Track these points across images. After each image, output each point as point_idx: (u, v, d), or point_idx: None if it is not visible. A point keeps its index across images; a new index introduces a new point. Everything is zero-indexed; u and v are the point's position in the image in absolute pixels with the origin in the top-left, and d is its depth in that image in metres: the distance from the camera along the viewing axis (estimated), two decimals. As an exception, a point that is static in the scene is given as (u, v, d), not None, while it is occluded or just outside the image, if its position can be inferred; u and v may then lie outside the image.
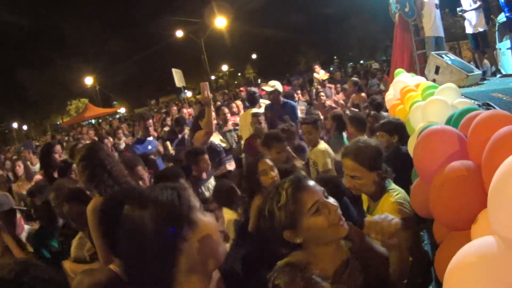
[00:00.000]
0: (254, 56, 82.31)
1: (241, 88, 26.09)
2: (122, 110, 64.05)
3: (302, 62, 75.68)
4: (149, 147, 10.19)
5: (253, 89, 13.88)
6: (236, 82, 77.47)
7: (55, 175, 8.36)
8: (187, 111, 18.80)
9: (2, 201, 7.14)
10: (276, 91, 11.17)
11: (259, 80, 61.23)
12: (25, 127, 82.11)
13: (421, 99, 7.57)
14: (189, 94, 41.54)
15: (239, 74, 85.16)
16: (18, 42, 72.80)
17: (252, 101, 12.18)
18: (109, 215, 3.23)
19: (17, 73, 70.91)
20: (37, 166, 13.39)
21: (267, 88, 11.38)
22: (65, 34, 73.89)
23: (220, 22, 56.58)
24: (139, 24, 73.55)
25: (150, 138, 10.42)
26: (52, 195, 6.20)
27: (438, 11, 13.80)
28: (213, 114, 9.30)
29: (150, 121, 10.51)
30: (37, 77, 71.76)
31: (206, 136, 8.93)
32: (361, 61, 63.78)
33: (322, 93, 15.21)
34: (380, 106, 11.60)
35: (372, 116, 10.14)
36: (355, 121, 9.04)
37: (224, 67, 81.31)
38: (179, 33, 61.30)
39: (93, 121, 47.54)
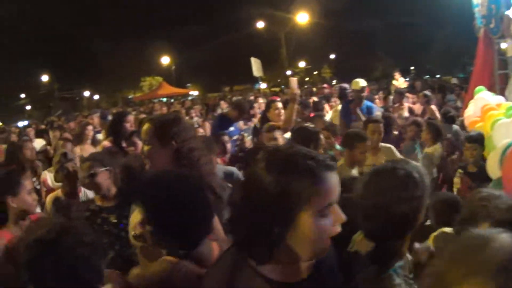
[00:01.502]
0: (332, 56, 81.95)
1: (324, 85, 25.83)
2: (195, 92, 64.19)
3: (379, 68, 74.95)
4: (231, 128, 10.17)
5: (344, 85, 13.92)
6: (311, 80, 77.01)
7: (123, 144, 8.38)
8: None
9: None
10: (362, 90, 11.16)
11: (334, 81, 60.77)
12: (96, 97, 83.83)
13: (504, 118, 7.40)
14: (263, 85, 41.43)
15: (316, 72, 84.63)
16: (98, 15, 74.46)
17: (342, 96, 12.53)
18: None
19: (94, 44, 72.48)
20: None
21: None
22: (147, 12, 75.05)
23: (302, 17, 56.33)
24: (220, 10, 73.98)
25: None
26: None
27: (525, 31, 13.32)
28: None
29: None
30: (114, 50, 73.19)
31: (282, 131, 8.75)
32: (438, 75, 62.56)
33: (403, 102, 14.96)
34: (453, 119, 11.39)
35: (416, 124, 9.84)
36: (433, 129, 8.77)
37: (301, 64, 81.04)
38: (260, 24, 61.35)
39: (164, 99, 47.81)
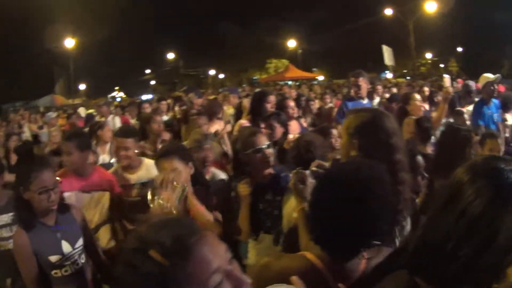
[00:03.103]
0: (459, 49, 79.56)
1: (458, 80, 25.09)
2: (321, 77, 64.01)
3: (505, 66, 72.25)
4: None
5: (470, 82, 13.45)
6: (438, 74, 74.84)
7: (262, 125, 8.10)
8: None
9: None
10: (489, 83, 10.59)
11: (459, 75, 59.07)
12: (221, 76, 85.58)
13: None
14: (389, 75, 40.69)
15: (442, 65, 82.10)
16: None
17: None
18: None
19: (221, 25, 74.28)
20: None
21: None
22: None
23: (431, 6, 55.12)
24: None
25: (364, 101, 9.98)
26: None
27: None
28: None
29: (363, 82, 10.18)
30: (241, 32, 74.99)
31: None
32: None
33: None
34: None
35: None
36: None
37: (428, 55, 79.05)
38: (388, 11, 60.43)
39: (289, 82, 47.55)
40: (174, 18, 76.17)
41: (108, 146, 10.28)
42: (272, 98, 9.23)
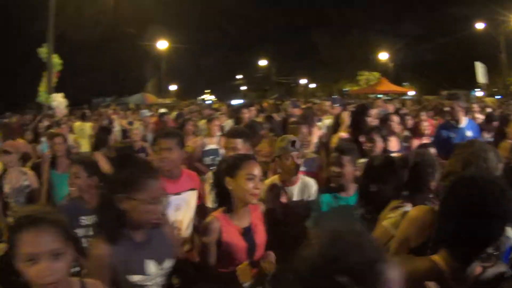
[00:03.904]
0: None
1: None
2: (412, 92, 62.55)
3: None
4: (468, 133, 9.41)
5: None
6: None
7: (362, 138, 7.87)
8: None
9: None
10: None
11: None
12: (311, 85, 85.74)
13: None
14: (479, 93, 39.30)
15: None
16: (322, 7, 76.09)
17: None
18: None
19: (314, 35, 74.62)
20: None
21: None
22: (367, 7, 75.58)
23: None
24: (440, 8, 71.92)
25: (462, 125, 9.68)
26: None
27: None
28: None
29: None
30: (334, 42, 74.91)
31: None
32: None
33: None
34: None
35: None
36: None
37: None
38: (479, 25, 58.94)
39: (379, 95, 45.77)
40: (267, 26, 77.31)
41: (215, 139, 10.93)
42: (374, 112, 9.33)
